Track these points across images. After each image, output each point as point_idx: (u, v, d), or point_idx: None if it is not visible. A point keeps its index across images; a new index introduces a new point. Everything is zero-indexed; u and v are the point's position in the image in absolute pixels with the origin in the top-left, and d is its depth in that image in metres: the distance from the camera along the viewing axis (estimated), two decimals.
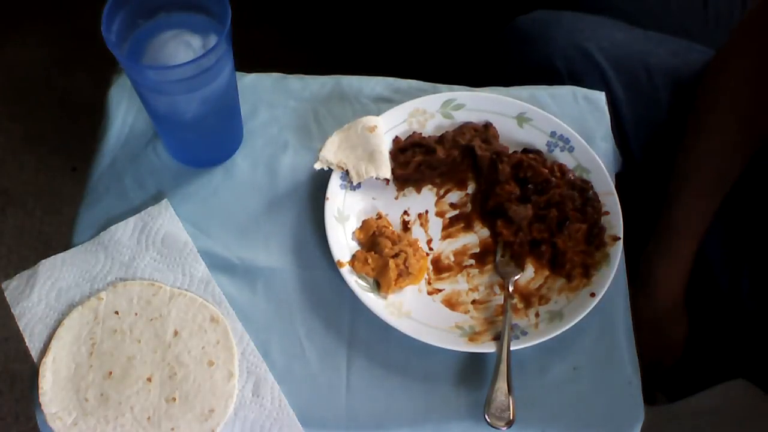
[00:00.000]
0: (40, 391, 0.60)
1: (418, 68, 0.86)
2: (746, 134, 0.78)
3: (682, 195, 0.79)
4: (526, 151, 0.72)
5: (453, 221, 0.70)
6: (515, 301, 0.66)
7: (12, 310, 0.63)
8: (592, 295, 0.64)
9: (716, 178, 0.78)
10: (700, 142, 0.79)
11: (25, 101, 1.56)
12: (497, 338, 0.62)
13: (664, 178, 0.80)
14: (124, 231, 0.67)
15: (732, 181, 0.78)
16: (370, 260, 0.65)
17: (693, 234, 0.78)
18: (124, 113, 0.74)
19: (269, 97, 0.76)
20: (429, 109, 0.74)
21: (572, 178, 0.70)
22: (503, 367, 0.60)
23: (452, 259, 0.69)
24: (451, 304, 0.66)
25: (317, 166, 0.69)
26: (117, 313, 0.63)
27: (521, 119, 0.73)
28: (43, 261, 0.65)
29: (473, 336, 0.63)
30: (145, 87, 0.62)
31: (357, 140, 0.70)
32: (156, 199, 0.69)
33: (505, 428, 0.58)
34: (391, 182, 0.71)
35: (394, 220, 0.70)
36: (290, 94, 0.76)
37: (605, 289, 0.64)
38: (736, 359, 0.80)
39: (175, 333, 0.62)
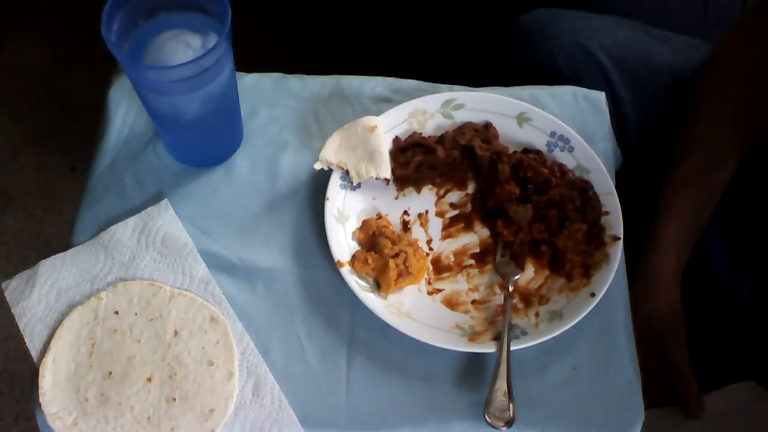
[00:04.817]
0: (40, 391, 0.60)
1: (418, 68, 0.86)
2: (738, 126, 0.78)
3: (669, 180, 0.79)
4: (526, 151, 0.72)
5: (453, 221, 0.70)
6: (515, 301, 0.66)
7: (12, 310, 0.63)
8: (592, 295, 0.64)
9: (702, 165, 0.78)
10: (689, 130, 0.80)
11: (25, 101, 1.56)
12: (497, 338, 0.62)
13: (666, 176, 0.80)
14: (124, 231, 0.67)
15: (724, 173, 0.78)
16: (370, 260, 0.65)
17: (678, 219, 0.77)
18: (124, 113, 0.74)
19: (269, 97, 0.76)
20: (429, 109, 0.74)
21: (572, 178, 0.70)
22: (503, 367, 0.60)
23: (452, 259, 0.69)
24: (451, 304, 0.66)
25: (317, 166, 0.69)
26: (117, 313, 0.63)
27: (521, 119, 0.73)
28: (43, 261, 0.65)
29: (473, 336, 0.63)
30: (145, 87, 0.62)
31: (357, 140, 0.70)
32: (156, 199, 0.69)
33: (505, 428, 0.58)
34: (391, 182, 0.71)
35: (394, 220, 0.70)
36: (290, 94, 0.76)
37: (605, 289, 0.64)
38: (742, 360, 0.79)
39: (175, 333, 0.62)
